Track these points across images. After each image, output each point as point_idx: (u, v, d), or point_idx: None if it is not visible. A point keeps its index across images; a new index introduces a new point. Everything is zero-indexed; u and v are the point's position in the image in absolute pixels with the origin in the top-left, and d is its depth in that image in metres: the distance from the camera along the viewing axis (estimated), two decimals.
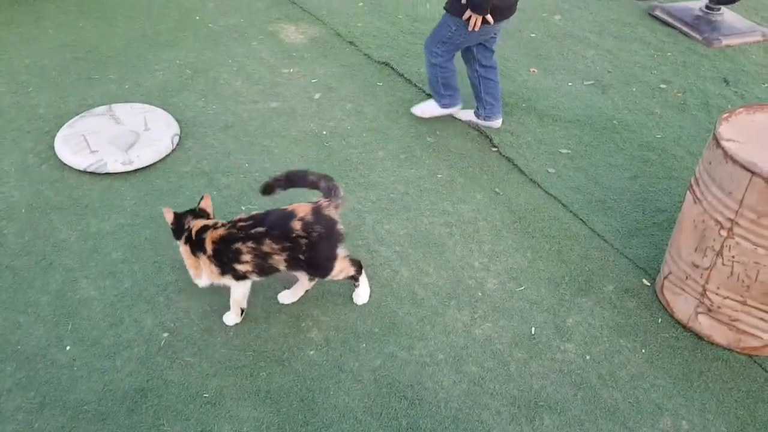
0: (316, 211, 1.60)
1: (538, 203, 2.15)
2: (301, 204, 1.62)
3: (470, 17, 2.12)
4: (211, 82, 2.64)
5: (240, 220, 1.62)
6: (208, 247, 1.60)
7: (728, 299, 1.69)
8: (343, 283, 1.78)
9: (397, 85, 2.74)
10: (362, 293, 1.78)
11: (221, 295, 1.75)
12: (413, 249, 1.97)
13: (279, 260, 1.60)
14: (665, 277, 1.83)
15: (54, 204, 2.04)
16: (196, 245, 1.63)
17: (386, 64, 2.88)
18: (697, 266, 1.71)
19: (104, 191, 2.10)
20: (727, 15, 3.27)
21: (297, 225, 1.57)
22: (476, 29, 2.14)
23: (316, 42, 3.03)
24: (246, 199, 2.09)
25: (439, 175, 2.27)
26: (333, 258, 1.65)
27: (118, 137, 2.25)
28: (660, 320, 1.81)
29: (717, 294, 1.70)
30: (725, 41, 3.10)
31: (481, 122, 2.47)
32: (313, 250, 1.59)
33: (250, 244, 1.57)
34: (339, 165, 2.29)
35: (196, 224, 1.65)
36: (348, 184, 2.21)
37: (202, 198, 1.73)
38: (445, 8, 2.21)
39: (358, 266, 1.74)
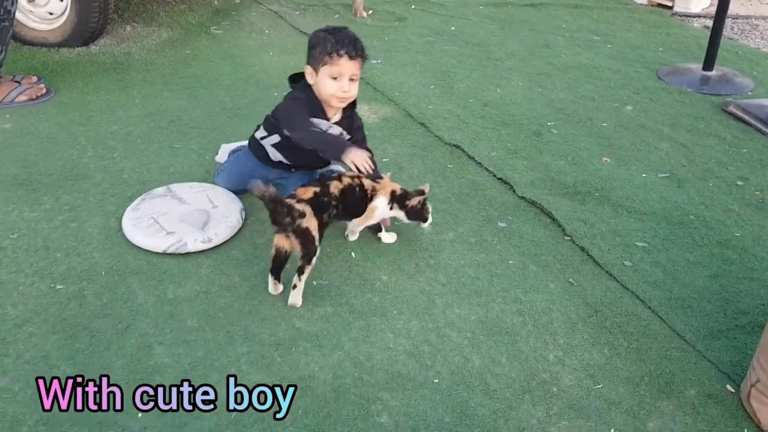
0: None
1: (615, 297, 2.10)
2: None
3: None
4: None
5: None
6: None
7: None
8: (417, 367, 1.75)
9: (467, 168, 2.77)
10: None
11: (296, 369, 1.74)
12: (485, 336, 1.93)
13: None
14: (753, 385, 1.74)
15: (133, 268, 2.08)
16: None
17: (457, 146, 2.91)
18: None
19: (182, 258, 2.13)
20: None
21: None
22: None
23: (387, 122, 3.10)
24: None
25: (511, 261, 2.24)
26: None
27: (188, 216, 2.26)
28: (746, 431, 1.71)
29: None
30: None
31: None
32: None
33: None
34: (408, 245, 2.29)
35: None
36: (418, 264, 2.20)
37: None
38: None
39: None
